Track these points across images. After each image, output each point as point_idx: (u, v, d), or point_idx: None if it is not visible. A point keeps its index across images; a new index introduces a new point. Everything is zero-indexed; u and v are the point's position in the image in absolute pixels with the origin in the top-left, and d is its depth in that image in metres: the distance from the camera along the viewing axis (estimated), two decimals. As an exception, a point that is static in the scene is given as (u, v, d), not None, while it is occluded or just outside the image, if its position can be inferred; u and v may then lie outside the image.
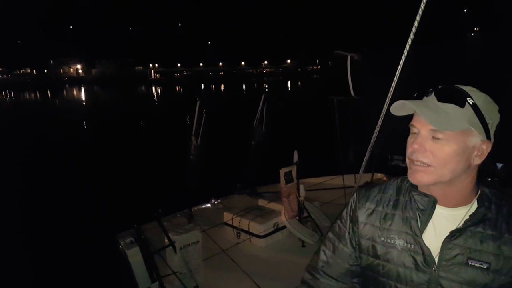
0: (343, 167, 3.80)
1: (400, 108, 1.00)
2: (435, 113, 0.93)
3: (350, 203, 1.17)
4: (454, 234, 0.97)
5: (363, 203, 1.13)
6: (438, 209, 1.01)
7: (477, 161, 0.98)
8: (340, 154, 3.50)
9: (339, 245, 1.16)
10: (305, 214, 4.24)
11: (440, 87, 0.99)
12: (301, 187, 4.16)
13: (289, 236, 4.12)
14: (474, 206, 1.00)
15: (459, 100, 0.95)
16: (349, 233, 1.14)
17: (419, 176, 0.97)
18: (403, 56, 1.69)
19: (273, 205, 4.43)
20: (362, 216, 1.11)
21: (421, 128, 0.97)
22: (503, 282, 0.94)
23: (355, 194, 1.17)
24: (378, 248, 1.07)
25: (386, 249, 1.05)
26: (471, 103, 0.95)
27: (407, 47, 1.45)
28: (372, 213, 1.10)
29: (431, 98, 0.98)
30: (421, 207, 1.03)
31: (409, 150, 1.00)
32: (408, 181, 1.09)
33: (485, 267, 0.94)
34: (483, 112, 0.95)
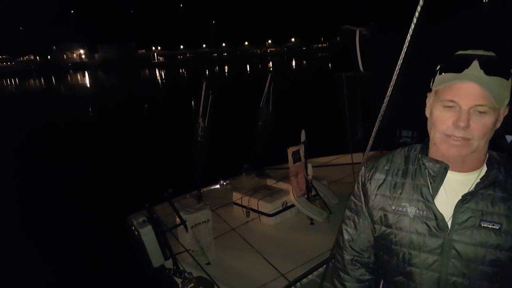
0: (351, 145, 3.79)
1: (446, 81, 0.95)
2: (490, 88, 0.90)
3: (360, 177, 1.18)
4: (466, 198, 0.98)
5: (372, 175, 1.13)
6: (450, 174, 1.02)
7: (498, 125, 0.99)
8: (349, 131, 3.47)
9: (359, 220, 1.17)
10: (314, 193, 4.27)
11: (485, 57, 0.93)
12: (309, 166, 4.18)
13: (297, 214, 4.17)
14: (484, 169, 1.02)
15: (508, 72, 0.93)
16: (365, 205, 1.15)
17: (459, 150, 0.96)
18: (411, 29, 1.65)
19: (281, 184, 4.47)
20: (372, 187, 1.12)
21: (463, 103, 0.92)
22: None
23: (363, 168, 1.17)
24: (390, 217, 1.07)
25: (398, 217, 1.06)
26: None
27: (416, 15, 1.42)
28: (382, 183, 1.11)
29: (475, 71, 0.91)
30: (433, 174, 1.03)
31: (445, 125, 0.96)
32: (415, 149, 1.11)
33: (497, 227, 0.96)
34: None
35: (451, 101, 0.95)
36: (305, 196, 4.17)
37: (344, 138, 3.82)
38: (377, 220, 1.11)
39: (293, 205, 4.13)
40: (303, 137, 4.26)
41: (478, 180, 0.99)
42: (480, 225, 0.97)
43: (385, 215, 1.09)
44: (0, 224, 6.00)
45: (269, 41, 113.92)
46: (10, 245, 5.34)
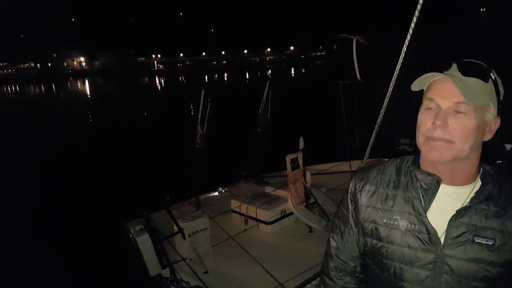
0: (349, 152, 3.79)
1: (423, 81, 0.99)
2: (464, 86, 0.92)
3: (350, 187, 1.16)
4: (460, 212, 0.96)
5: (363, 186, 1.11)
6: (442, 187, 1.00)
7: (488, 137, 0.98)
8: (346, 139, 3.48)
9: (345, 230, 1.16)
10: (312, 200, 4.25)
11: (464, 60, 0.97)
12: (308, 173, 4.17)
13: (296, 222, 4.15)
14: (478, 184, 1.00)
15: (485, 74, 0.95)
16: (352, 217, 1.14)
17: (440, 152, 0.94)
18: (407, 39, 1.67)
19: (279, 192, 4.46)
20: (363, 199, 1.10)
21: (442, 102, 0.93)
22: (508, 257, 0.94)
23: (353, 178, 1.16)
24: (381, 230, 1.05)
25: (389, 230, 1.03)
26: (493, 78, 0.96)
27: (412, 26, 1.43)
28: (372, 195, 1.09)
29: (454, 72, 0.95)
30: (425, 186, 1.01)
31: (426, 127, 0.96)
32: (408, 161, 1.09)
33: (491, 243, 0.94)
34: (499, 88, 0.97)
35: (431, 99, 0.96)
36: (304, 203, 4.15)
37: (343, 146, 3.83)
38: (368, 233, 1.09)
39: (291, 213, 4.11)
40: (301, 144, 4.25)
41: (473, 194, 0.97)
42: (473, 240, 0.95)
43: (376, 228, 1.06)
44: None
45: (268, 49, 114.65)
46: (7, 251, 5.29)
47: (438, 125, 0.92)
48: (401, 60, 1.76)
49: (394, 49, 1.83)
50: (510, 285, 0.97)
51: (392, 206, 1.05)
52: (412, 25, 1.38)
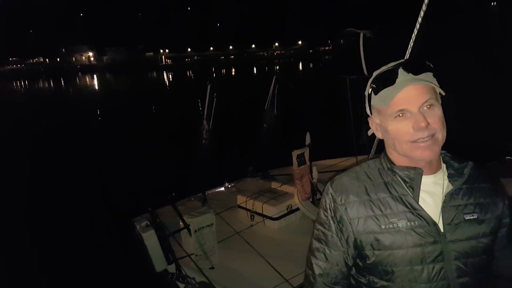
0: (356, 148, 3.75)
1: (387, 98, 0.99)
2: (425, 82, 0.97)
3: (326, 204, 1.08)
4: (447, 197, 1.01)
5: (345, 199, 1.05)
6: (423, 179, 1.03)
7: None
8: (353, 135, 3.44)
9: (331, 252, 1.07)
10: (319, 196, 4.24)
11: (405, 62, 1.00)
12: (314, 169, 4.15)
13: (302, 218, 4.14)
14: (444, 167, 1.06)
15: (430, 66, 1.00)
16: (337, 235, 1.06)
17: (431, 150, 0.97)
18: (414, 33, 1.63)
19: (286, 188, 4.45)
20: (349, 212, 1.03)
21: (413, 106, 0.96)
22: (492, 225, 1.02)
23: (327, 194, 1.09)
24: (383, 238, 1.00)
25: (391, 236, 0.99)
26: (431, 66, 1.01)
27: (419, 20, 1.40)
28: (359, 205, 1.03)
29: (405, 76, 0.97)
30: (409, 181, 1.03)
31: (408, 134, 0.97)
32: (375, 163, 1.10)
33: (476, 216, 1.01)
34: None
35: (400, 110, 0.98)
36: (310, 199, 4.14)
37: (349, 141, 3.78)
38: (368, 246, 1.02)
39: (298, 209, 4.10)
40: (307, 140, 4.23)
41: (446, 178, 1.03)
42: (464, 218, 1.00)
43: (377, 238, 1.01)
44: (4, 223, 6.06)
45: (276, 44, 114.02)
46: (13, 246, 5.37)
47: (424, 126, 0.95)
48: (409, 55, 1.72)
49: (401, 43, 1.79)
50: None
51: (385, 210, 1.01)
52: (420, 19, 1.34)
